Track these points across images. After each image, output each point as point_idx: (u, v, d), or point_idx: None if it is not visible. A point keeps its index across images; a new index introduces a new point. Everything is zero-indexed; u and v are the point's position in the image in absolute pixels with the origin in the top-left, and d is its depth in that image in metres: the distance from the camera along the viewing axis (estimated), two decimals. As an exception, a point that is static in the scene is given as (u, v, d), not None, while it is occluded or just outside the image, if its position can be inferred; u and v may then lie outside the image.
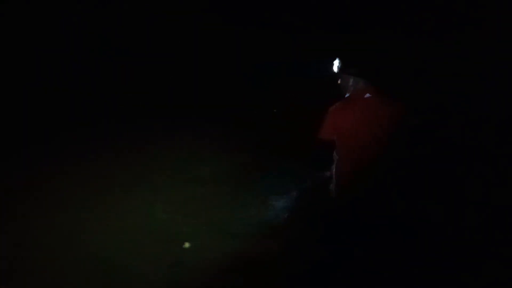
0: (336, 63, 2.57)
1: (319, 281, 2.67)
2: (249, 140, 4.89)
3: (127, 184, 4.06)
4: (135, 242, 3.27)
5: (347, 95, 2.57)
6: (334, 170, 2.62)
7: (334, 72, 2.60)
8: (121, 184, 4.06)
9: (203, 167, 4.34)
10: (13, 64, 6.96)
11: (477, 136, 4.45)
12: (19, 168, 4.33)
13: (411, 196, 3.23)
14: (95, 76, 6.97)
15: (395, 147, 2.54)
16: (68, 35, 8.21)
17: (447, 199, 3.41)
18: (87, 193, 3.90)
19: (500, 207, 3.30)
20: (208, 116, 5.55)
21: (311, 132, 2.69)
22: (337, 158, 2.58)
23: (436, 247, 2.88)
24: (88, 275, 2.93)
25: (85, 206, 3.71)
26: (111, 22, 8.53)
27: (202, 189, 3.96)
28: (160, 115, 5.59)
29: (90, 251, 3.16)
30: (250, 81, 6.74)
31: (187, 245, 3.22)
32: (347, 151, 2.52)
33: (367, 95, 2.47)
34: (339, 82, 2.59)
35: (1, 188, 3.93)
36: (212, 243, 3.24)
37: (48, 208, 3.67)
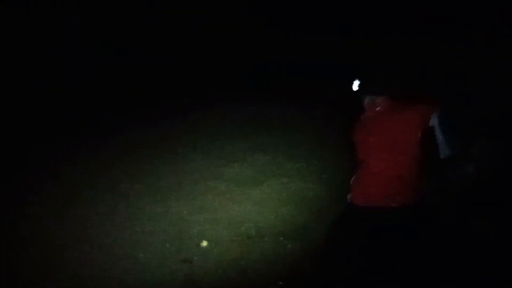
0: (356, 83, 2.56)
1: None
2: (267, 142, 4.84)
3: (127, 183, 4.06)
4: (147, 238, 3.25)
5: (366, 111, 2.57)
6: (353, 180, 2.61)
7: (355, 91, 2.59)
8: (121, 183, 4.06)
9: (216, 168, 4.32)
10: (13, 64, 6.96)
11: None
12: (18, 168, 4.34)
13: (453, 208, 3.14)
14: (95, 76, 6.97)
15: (426, 159, 2.48)
16: (68, 35, 8.24)
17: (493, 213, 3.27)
18: (88, 191, 3.88)
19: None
20: (209, 116, 5.55)
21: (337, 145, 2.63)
22: (359, 170, 2.56)
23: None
24: (95, 271, 2.91)
25: (89, 204, 3.69)
26: (111, 22, 8.54)
27: (223, 189, 3.90)
28: (160, 115, 5.59)
29: (96, 247, 3.15)
30: (250, 81, 6.75)
31: (204, 243, 3.17)
32: (371, 163, 2.51)
33: (386, 108, 2.46)
34: (360, 100, 2.58)
35: (1, 187, 3.94)
36: (231, 244, 3.18)
37: (50, 207, 3.67)
